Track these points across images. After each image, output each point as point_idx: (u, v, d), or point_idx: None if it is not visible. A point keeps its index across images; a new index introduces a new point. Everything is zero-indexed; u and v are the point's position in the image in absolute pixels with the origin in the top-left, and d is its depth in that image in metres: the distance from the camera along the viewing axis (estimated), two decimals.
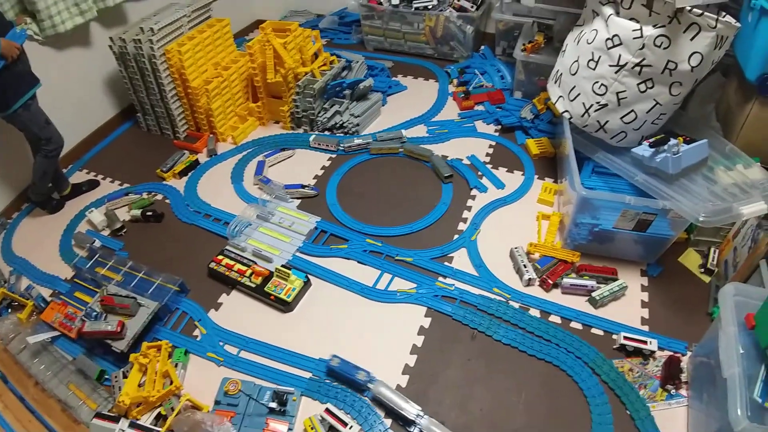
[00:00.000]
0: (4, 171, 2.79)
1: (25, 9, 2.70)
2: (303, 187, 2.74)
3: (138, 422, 1.84)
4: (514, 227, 2.47)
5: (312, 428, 1.77)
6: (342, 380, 1.95)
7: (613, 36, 2.12)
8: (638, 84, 2.14)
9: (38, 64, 2.48)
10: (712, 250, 2.25)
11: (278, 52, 2.99)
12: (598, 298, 2.09)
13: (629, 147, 2.31)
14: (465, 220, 2.54)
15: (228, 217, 2.65)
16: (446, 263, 2.34)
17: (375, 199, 2.71)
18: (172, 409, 1.87)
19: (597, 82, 2.24)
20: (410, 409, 1.80)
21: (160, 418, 1.91)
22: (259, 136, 3.23)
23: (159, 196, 2.86)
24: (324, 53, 3.31)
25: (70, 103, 3.05)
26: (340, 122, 3.12)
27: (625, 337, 1.94)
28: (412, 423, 1.79)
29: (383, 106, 3.34)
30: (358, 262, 2.38)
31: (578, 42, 2.34)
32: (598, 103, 2.27)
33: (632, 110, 2.21)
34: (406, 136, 3.03)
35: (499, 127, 3.10)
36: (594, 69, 2.24)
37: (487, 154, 2.92)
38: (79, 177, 3.06)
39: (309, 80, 3.06)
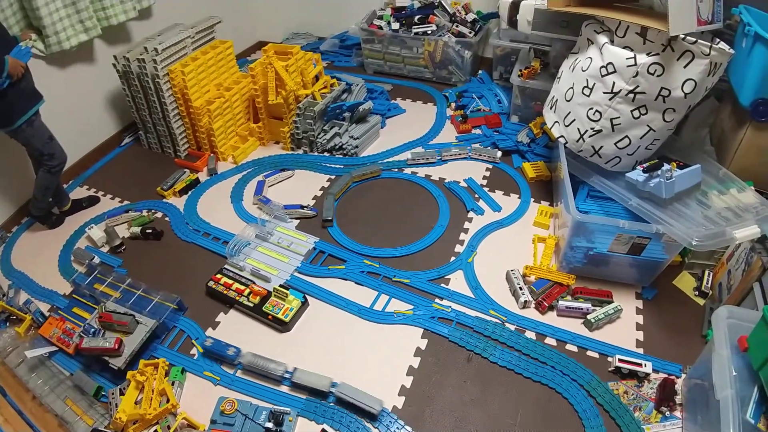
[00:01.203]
0: (6, 184, 2.80)
1: (30, 24, 2.74)
2: (302, 207, 2.76)
3: None
4: (510, 250, 2.49)
5: None
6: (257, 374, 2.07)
7: (608, 64, 2.15)
8: (632, 110, 2.17)
9: (42, 80, 2.52)
10: (707, 272, 2.26)
11: (280, 74, 3.04)
12: (593, 320, 2.11)
13: (623, 171, 2.34)
14: (462, 242, 2.56)
15: (227, 236, 2.67)
16: (443, 285, 2.35)
17: (373, 220, 2.73)
18: (168, 428, 1.87)
19: (591, 108, 2.27)
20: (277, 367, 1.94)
21: None
22: (259, 156, 3.26)
23: (159, 214, 2.88)
24: (324, 76, 3.37)
25: (72, 119, 3.09)
26: (340, 144, 3.16)
27: (620, 360, 1.96)
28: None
29: (382, 128, 3.39)
30: (356, 282, 2.39)
31: (573, 69, 2.38)
32: (592, 128, 2.30)
33: (626, 136, 2.25)
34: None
35: (496, 150, 3.14)
36: (588, 96, 2.28)
37: (484, 177, 2.96)
38: (79, 193, 3.09)
39: (309, 102, 3.11)
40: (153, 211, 2.90)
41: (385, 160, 3.13)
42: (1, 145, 2.43)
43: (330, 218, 2.69)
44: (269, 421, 1.86)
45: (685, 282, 2.30)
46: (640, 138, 2.24)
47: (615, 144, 2.29)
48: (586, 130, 2.34)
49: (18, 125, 2.38)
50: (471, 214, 2.72)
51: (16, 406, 1.94)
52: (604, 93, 2.20)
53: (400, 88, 3.85)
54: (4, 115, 2.35)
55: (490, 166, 3.04)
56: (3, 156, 2.51)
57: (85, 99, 3.18)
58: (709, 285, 2.23)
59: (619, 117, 2.21)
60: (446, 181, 2.93)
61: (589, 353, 2.06)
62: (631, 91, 2.12)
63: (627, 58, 2.09)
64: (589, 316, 2.13)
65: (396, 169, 3.06)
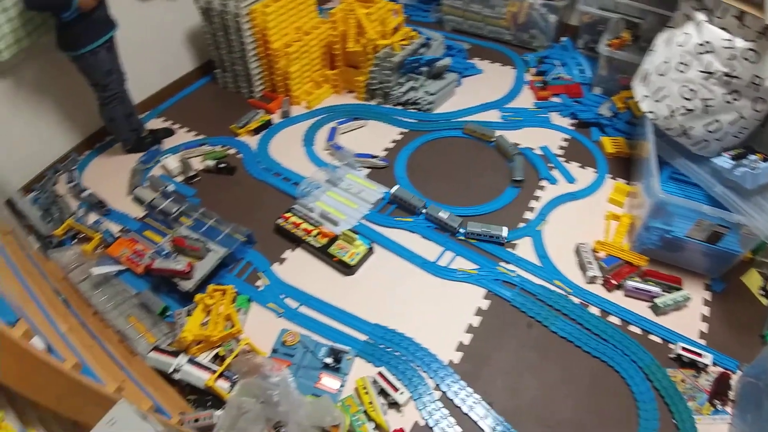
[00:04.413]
0: (78, 109, 2.85)
1: None
2: (373, 157, 2.77)
3: (196, 359, 1.91)
4: (581, 223, 2.44)
5: (364, 388, 1.82)
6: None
7: (705, 42, 2.10)
8: (725, 94, 2.11)
9: (123, 11, 2.56)
10: None
11: (361, 22, 3.00)
12: (661, 305, 2.06)
13: (708, 156, 2.28)
14: (532, 210, 2.52)
15: (297, 178, 2.70)
16: (510, 249, 2.33)
17: (443, 177, 2.71)
18: (231, 351, 1.95)
19: (685, 85, 2.21)
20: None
21: (217, 358, 1.98)
22: (332, 103, 3.27)
23: (232, 151, 2.94)
24: (404, 28, 3.31)
25: (152, 52, 3.15)
26: (414, 98, 3.12)
27: (683, 348, 1.92)
28: None
29: (458, 87, 3.32)
30: (422, 236, 2.40)
31: (669, 43, 2.31)
32: (684, 107, 2.24)
33: (717, 119, 2.17)
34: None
35: (575, 121, 3.04)
36: (684, 72, 2.21)
37: (560, 147, 2.88)
38: (155, 124, 3.17)
39: (388, 53, 3.06)
40: (227, 147, 2.96)
41: (459, 119, 3.08)
42: (74, 70, 2.48)
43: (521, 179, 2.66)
44: (329, 357, 1.92)
45: (753, 280, 2.21)
46: (730, 123, 2.16)
47: (705, 126, 2.22)
48: (678, 108, 2.26)
49: (81, 53, 2.39)
50: (544, 183, 2.66)
51: (80, 318, 1.99)
52: (700, 71, 2.14)
53: (478, 48, 3.74)
54: (69, 41, 2.37)
55: (567, 136, 2.95)
56: (76, 81, 2.55)
57: (165, 33, 3.23)
58: None
59: (712, 98, 2.14)
60: (521, 146, 2.86)
61: (651, 337, 2.02)
62: (726, 74, 2.06)
63: (724, 39, 2.03)
64: (657, 300, 2.08)
65: None
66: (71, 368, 1.25)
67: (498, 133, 2.90)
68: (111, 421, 1.11)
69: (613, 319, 2.07)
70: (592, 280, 2.19)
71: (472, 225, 2.37)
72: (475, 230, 2.36)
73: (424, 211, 2.47)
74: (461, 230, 2.40)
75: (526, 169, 2.72)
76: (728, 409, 1.81)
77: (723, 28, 2.06)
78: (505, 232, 2.33)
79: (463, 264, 2.28)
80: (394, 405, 1.82)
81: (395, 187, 2.54)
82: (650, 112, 2.40)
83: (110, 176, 2.80)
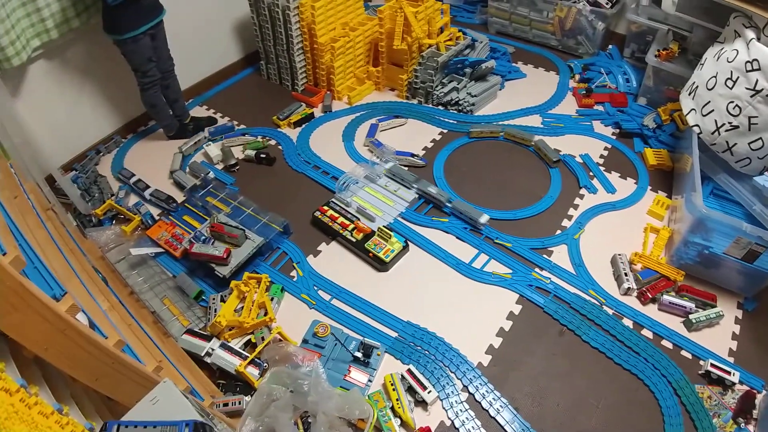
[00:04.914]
0: (125, 93, 2.90)
1: None
2: (413, 156, 2.78)
3: (228, 344, 1.95)
4: (619, 234, 2.41)
5: (392, 384, 1.83)
6: None
7: (753, 60, 2.08)
8: None
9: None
10: None
11: (409, 20, 3.02)
12: (694, 321, 2.04)
13: (750, 174, 2.26)
14: (570, 218, 2.49)
15: (336, 172, 2.73)
16: (545, 256, 2.32)
17: (481, 180, 2.71)
18: (263, 339, 1.98)
19: (732, 102, 2.19)
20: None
21: (248, 345, 2.02)
22: (374, 100, 3.29)
23: (272, 142, 2.99)
24: (450, 28, 3.31)
25: (199, 40, 3.21)
26: (456, 99, 3.12)
27: (712, 365, 1.91)
28: None
29: (500, 90, 3.30)
30: (457, 237, 2.40)
31: (718, 58, 2.29)
32: (730, 123, 2.21)
33: (760, 138, 2.15)
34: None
35: (618, 130, 2.99)
36: (731, 88, 2.19)
37: (601, 156, 2.84)
38: (198, 112, 3.24)
39: (433, 53, 3.07)
40: (268, 138, 3.01)
41: (501, 123, 3.06)
42: (120, 54, 2.52)
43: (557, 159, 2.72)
44: (359, 351, 1.94)
45: None
46: None
47: (749, 144, 2.19)
48: (723, 124, 2.24)
49: (124, 38, 2.42)
50: (583, 191, 2.63)
51: (118, 297, 2.03)
52: (747, 89, 2.12)
53: (523, 52, 3.71)
54: (114, 25, 2.40)
55: (609, 145, 2.91)
56: (122, 64, 2.59)
57: (214, 23, 3.29)
58: None
59: (757, 117, 2.12)
60: (561, 153, 2.83)
61: (682, 353, 1.99)
62: None
63: None
64: (690, 316, 2.05)
65: None
66: (114, 345, 1.27)
67: (537, 137, 2.88)
68: (154, 399, 1.13)
69: (646, 333, 2.05)
70: (627, 292, 2.16)
71: (458, 203, 2.47)
72: (458, 207, 2.44)
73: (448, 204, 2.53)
74: (447, 204, 2.49)
75: (565, 177, 2.70)
76: (750, 427, 1.80)
77: None
78: (484, 218, 2.40)
79: (497, 267, 2.27)
80: (421, 403, 1.83)
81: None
82: (696, 125, 2.36)
83: (152, 161, 2.87)
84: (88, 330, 1.16)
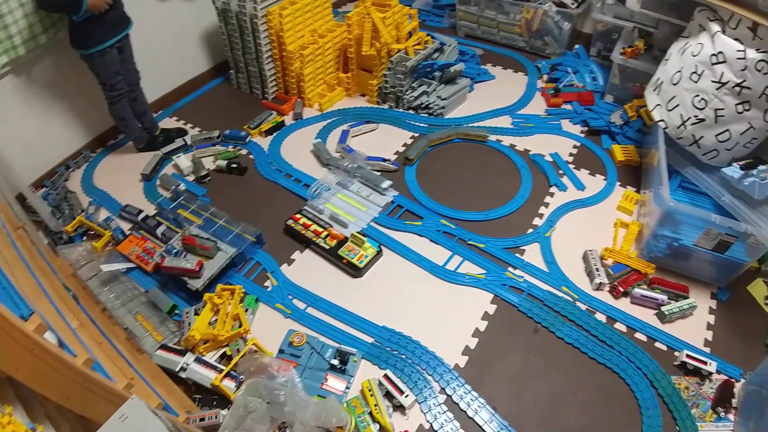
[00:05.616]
0: (93, 107, 2.87)
1: None
2: (384, 160, 2.78)
3: (203, 358, 1.93)
4: (589, 230, 2.44)
5: (369, 390, 1.83)
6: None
7: (718, 53, 2.11)
8: (736, 104, 2.12)
9: (141, 10, 2.60)
10: None
11: (377, 25, 3.03)
12: (667, 313, 2.06)
13: (718, 166, 2.29)
14: (541, 216, 2.52)
15: (308, 180, 2.73)
16: (518, 255, 2.34)
17: (453, 182, 2.72)
18: (238, 351, 1.97)
19: (698, 95, 2.22)
20: None
21: (224, 358, 2.00)
22: (345, 106, 3.29)
23: (244, 151, 2.97)
24: (419, 32, 3.32)
25: (167, 50, 3.19)
26: (426, 103, 3.14)
27: (688, 356, 1.93)
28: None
29: (470, 92, 3.33)
30: (431, 240, 2.41)
31: (683, 53, 2.32)
32: (696, 117, 2.25)
33: (727, 129, 2.19)
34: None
35: (586, 128, 3.04)
36: (696, 82, 2.22)
37: (571, 154, 2.88)
38: (168, 123, 3.21)
39: (402, 57, 3.08)
40: (239, 147, 2.99)
41: (470, 125, 3.09)
42: (87, 68, 2.50)
43: (412, 158, 2.72)
44: (335, 359, 1.93)
45: (758, 289, 2.21)
46: (741, 134, 2.18)
47: (716, 136, 2.23)
48: (689, 118, 2.27)
49: (91, 52, 2.40)
50: (553, 189, 2.66)
51: (89, 315, 1.99)
52: (712, 81, 2.15)
53: (491, 54, 3.75)
54: (80, 40, 2.38)
55: (578, 143, 2.95)
56: (90, 79, 2.56)
57: (182, 33, 3.27)
58: None
59: (723, 109, 2.16)
60: (531, 152, 2.87)
61: (657, 344, 2.02)
62: (738, 84, 2.07)
63: (737, 50, 2.05)
64: (663, 308, 2.08)
65: None
66: (83, 364, 1.26)
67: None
68: (122, 416, 1.12)
69: (620, 326, 2.07)
70: (599, 287, 2.19)
71: (365, 173, 2.65)
72: (365, 176, 2.64)
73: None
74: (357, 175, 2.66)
75: (536, 175, 2.74)
76: (731, 416, 1.82)
77: (736, 39, 2.07)
78: (386, 184, 2.58)
79: (470, 268, 2.28)
80: (399, 407, 1.83)
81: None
82: (662, 120, 2.40)
83: (122, 174, 2.84)
84: (56, 349, 1.15)
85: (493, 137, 2.99)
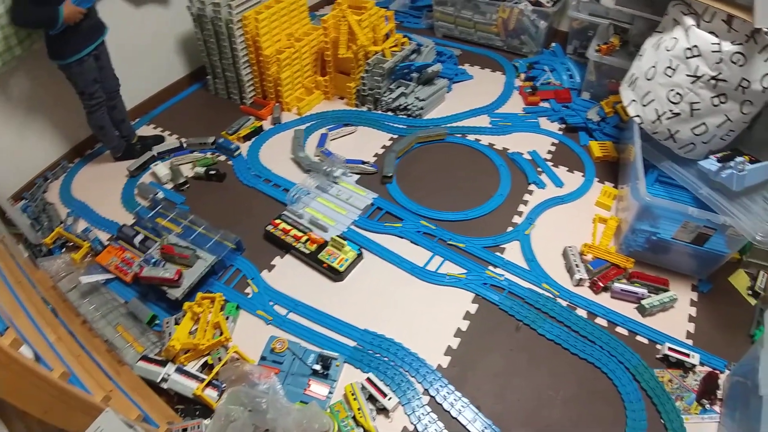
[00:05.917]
0: (70, 117, 2.84)
1: None
2: (363, 163, 2.78)
3: (185, 368, 1.91)
4: (569, 226, 2.46)
5: (352, 394, 1.82)
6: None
7: (693, 46, 2.12)
8: (712, 97, 2.13)
9: (116, 16, 2.58)
10: (762, 273, 2.22)
11: (353, 28, 3.02)
12: (647, 306, 2.08)
13: (695, 159, 2.30)
14: (520, 214, 2.53)
15: (287, 184, 2.71)
16: (498, 253, 2.34)
17: (433, 182, 2.73)
18: (219, 359, 1.95)
19: (672, 90, 2.23)
20: None
21: (206, 367, 1.98)
22: (323, 109, 3.28)
23: (222, 158, 2.95)
24: (396, 34, 3.33)
25: (143, 58, 3.15)
26: (405, 104, 3.14)
27: (670, 348, 1.94)
28: None
29: (448, 92, 3.34)
30: (411, 242, 2.41)
31: (657, 48, 2.33)
32: (671, 111, 2.26)
33: (703, 123, 2.20)
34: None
35: (564, 126, 3.07)
36: (671, 77, 2.23)
37: (549, 152, 2.90)
38: (146, 131, 3.18)
39: (379, 59, 3.08)
40: (217, 154, 2.97)
41: (449, 125, 3.10)
42: (64, 78, 2.48)
43: (390, 174, 2.70)
44: (317, 364, 1.92)
45: (740, 280, 2.24)
46: (717, 126, 2.19)
47: (692, 130, 2.24)
48: (665, 112, 2.29)
49: (68, 62, 2.39)
50: (532, 187, 2.68)
51: (68, 328, 1.95)
52: (687, 75, 2.16)
53: (469, 54, 3.76)
54: (57, 50, 2.37)
55: (556, 141, 2.97)
56: (67, 89, 2.54)
57: (157, 40, 3.23)
58: (762, 286, 2.18)
59: (699, 102, 2.16)
60: (510, 151, 2.88)
61: (638, 338, 2.04)
62: (713, 77, 2.08)
63: (712, 44, 2.06)
64: (643, 302, 2.10)
65: (459, 135, 3.02)
66: (59, 377, 1.26)
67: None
68: (97, 429, 1.11)
69: (601, 321, 2.09)
70: (579, 283, 2.20)
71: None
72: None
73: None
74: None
75: (515, 174, 2.75)
76: (717, 408, 1.83)
77: (711, 32, 2.08)
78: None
79: (451, 269, 2.29)
80: (382, 410, 1.82)
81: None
82: (637, 116, 2.42)
83: (100, 184, 2.80)
84: (32, 363, 1.16)
85: (471, 137, 3.00)
